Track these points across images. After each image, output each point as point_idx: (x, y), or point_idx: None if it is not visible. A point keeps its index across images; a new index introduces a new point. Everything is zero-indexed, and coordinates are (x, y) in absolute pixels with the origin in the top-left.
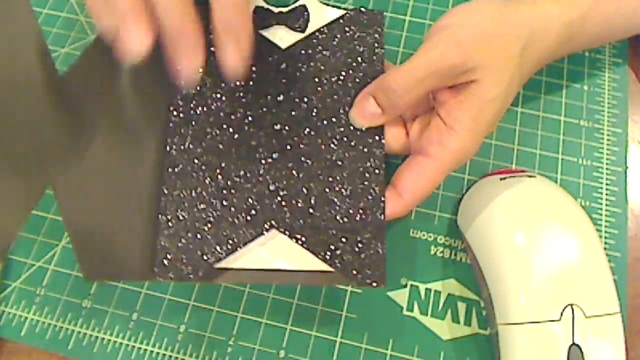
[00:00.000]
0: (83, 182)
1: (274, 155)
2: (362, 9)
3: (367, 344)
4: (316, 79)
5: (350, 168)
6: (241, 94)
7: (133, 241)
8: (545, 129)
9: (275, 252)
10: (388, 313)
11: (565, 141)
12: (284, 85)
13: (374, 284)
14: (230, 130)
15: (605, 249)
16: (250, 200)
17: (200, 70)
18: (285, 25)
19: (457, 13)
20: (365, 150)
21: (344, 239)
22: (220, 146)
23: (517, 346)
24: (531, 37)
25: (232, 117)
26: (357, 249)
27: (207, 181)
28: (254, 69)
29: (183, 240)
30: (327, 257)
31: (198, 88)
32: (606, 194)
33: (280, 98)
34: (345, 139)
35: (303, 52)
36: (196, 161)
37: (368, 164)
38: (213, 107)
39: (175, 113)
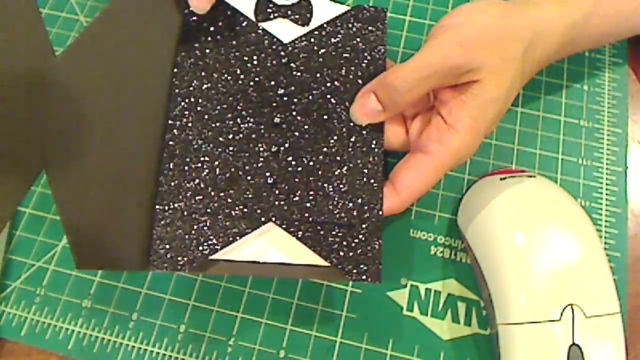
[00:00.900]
0: (78, 171)
1: (273, 149)
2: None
3: (367, 344)
4: (318, 74)
5: (349, 164)
6: (242, 87)
7: (128, 231)
8: (545, 129)
9: (271, 245)
10: (388, 313)
11: (565, 141)
12: (285, 79)
13: (369, 280)
14: (230, 122)
15: (605, 249)
16: (247, 192)
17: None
18: (288, 18)
19: (461, 13)
20: (365, 146)
21: (340, 234)
22: (220, 138)
23: (517, 346)
24: (534, 39)
25: (232, 109)
26: (353, 245)
27: (204, 173)
28: (255, 62)
29: (179, 231)
30: (323, 252)
31: (198, 80)
32: (606, 194)
33: (281, 92)
34: (345, 134)
35: (305, 46)
36: (194, 152)
37: (367, 160)
38: (213, 99)
39: (174, 104)
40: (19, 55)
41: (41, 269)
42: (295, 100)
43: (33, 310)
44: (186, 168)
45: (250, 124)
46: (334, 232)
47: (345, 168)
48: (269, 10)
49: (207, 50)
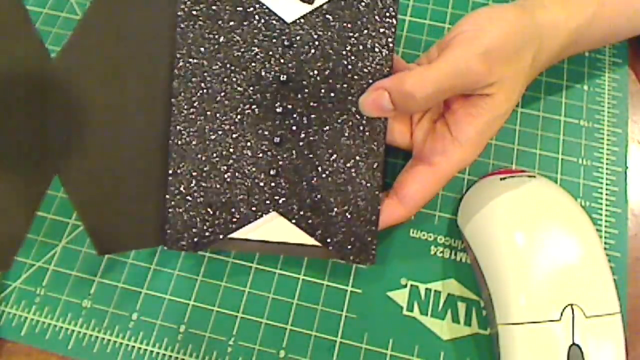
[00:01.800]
0: (89, 164)
1: (275, 140)
2: None
3: (367, 344)
4: (322, 58)
5: (351, 154)
6: (243, 73)
7: (142, 212)
8: (545, 129)
9: (274, 228)
10: (388, 313)
11: (565, 141)
12: (288, 63)
13: (364, 261)
14: (233, 111)
15: (605, 249)
16: (251, 181)
17: None
18: None
19: (479, 19)
20: (367, 133)
21: (339, 219)
22: (223, 126)
23: (517, 346)
24: (540, 46)
25: (235, 98)
26: (352, 229)
27: (209, 160)
28: (256, 45)
29: (191, 212)
30: (323, 235)
31: (198, 66)
32: (606, 194)
33: (284, 78)
34: (349, 123)
35: (308, 28)
36: (199, 142)
37: (368, 147)
38: (214, 85)
39: (175, 93)
40: (14, 58)
41: (41, 269)
42: (298, 86)
43: (33, 310)
44: (192, 157)
45: (253, 112)
46: (333, 217)
47: (346, 154)
48: None
49: (207, 34)
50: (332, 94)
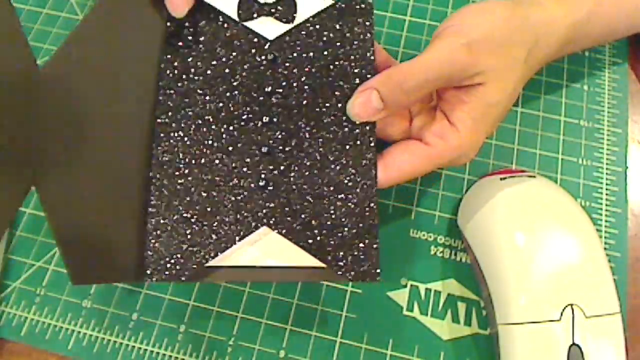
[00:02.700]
0: (69, 183)
1: (263, 150)
2: None
3: (367, 344)
4: (305, 70)
5: (341, 162)
6: (229, 87)
7: (122, 242)
8: (545, 129)
9: (266, 249)
10: (388, 313)
11: (565, 141)
12: (272, 77)
13: (368, 280)
14: (218, 124)
15: (605, 249)
16: (239, 196)
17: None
18: (272, 16)
19: (468, 13)
20: (357, 144)
21: (336, 235)
22: (208, 142)
23: (517, 346)
24: (537, 42)
25: (220, 111)
26: (350, 245)
27: (194, 178)
28: (240, 60)
29: (172, 240)
30: (320, 253)
31: (184, 84)
32: (606, 194)
33: (269, 90)
34: (336, 133)
35: (291, 42)
36: (183, 158)
37: (360, 158)
38: (199, 102)
39: (162, 108)
40: (3, 64)
41: (41, 269)
42: (284, 98)
43: (33, 310)
44: (176, 174)
45: (238, 125)
46: (329, 233)
47: (337, 167)
48: (252, 8)
49: (192, 52)
50: (319, 103)
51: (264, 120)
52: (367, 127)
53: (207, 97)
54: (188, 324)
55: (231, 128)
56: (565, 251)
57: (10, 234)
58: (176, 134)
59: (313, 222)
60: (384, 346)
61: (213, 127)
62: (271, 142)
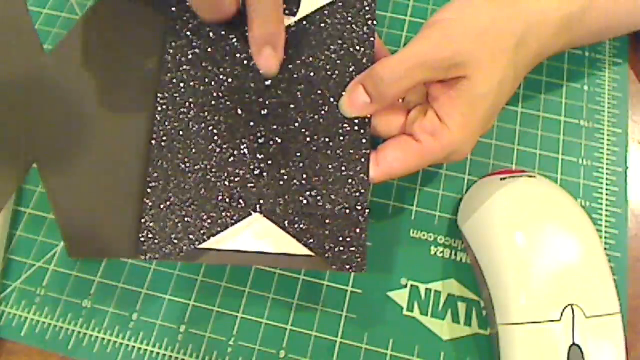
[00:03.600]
0: (70, 165)
1: (260, 140)
2: None
3: (367, 344)
4: (305, 65)
5: (335, 155)
6: (228, 78)
7: (119, 221)
8: (545, 129)
9: (257, 234)
10: (388, 313)
11: (565, 141)
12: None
13: (353, 270)
14: (217, 114)
15: (605, 249)
16: (233, 183)
17: None
18: None
19: (451, 8)
20: (352, 138)
21: (325, 224)
22: (207, 130)
23: (517, 346)
24: (527, 32)
25: (218, 101)
26: (338, 235)
27: (192, 163)
28: (241, 52)
29: (167, 220)
30: (309, 242)
31: (184, 73)
32: (606, 194)
33: (268, 83)
34: (332, 126)
35: (292, 36)
36: (181, 143)
37: (354, 152)
38: (200, 91)
39: (162, 95)
40: (10, 54)
41: (41, 269)
42: (282, 91)
43: (33, 310)
44: (173, 159)
45: (237, 115)
46: (320, 223)
47: (331, 159)
48: None
49: (193, 43)
50: (317, 97)
51: (261, 113)
52: (361, 122)
53: (206, 87)
54: (188, 324)
55: (229, 118)
56: (565, 251)
57: (10, 234)
58: (175, 122)
59: (304, 211)
60: (384, 346)
61: (211, 116)
62: (267, 133)
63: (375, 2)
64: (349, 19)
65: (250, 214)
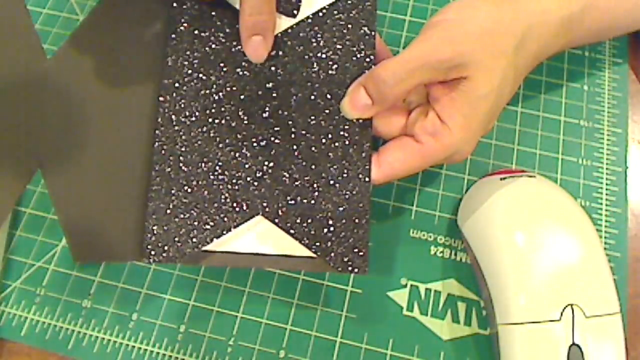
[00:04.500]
0: (73, 168)
1: (262, 143)
2: None
3: (367, 344)
4: (307, 67)
5: (337, 157)
6: (230, 80)
7: (123, 224)
8: (545, 129)
9: (260, 237)
10: (388, 313)
11: (565, 141)
12: (274, 72)
13: (356, 271)
14: (219, 116)
15: (605, 249)
16: (236, 185)
17: None
18: (276, 11)
19: (451, 9)
20: (354, 140)
21: (328, 226)
22: (210, 133)
23: (517, 346)
24: (527, 33)
25: (221, 103)
26: (340, 237)
27: (195, 166)
28: (243, 54)
29: (171, 224)
30: (311, 244)
31: (186, 75)
32: (606, 194)
33: (270, 85)
34: (334, 129)
35: (293, 38)
36: (185, 146)
37: (355, 154)
38: (201, 94)
39: (164, 99)
40: (12, 57)
41: (41, 269)
42: (285, 92)
43: (33, 310)
44: (175, 162)
45: (239, 118)
46: (322, 225)
47: (333, 161)
48: None
49: (195, 45)
50: (319, 99)
51: (263, 115)
52: (363, 124)
53: (208, 91)
54: (188, 324)
55: (232, 121)
56: (565, 251)
57: (10, 234)
58: (177, 125)
59: (307, 213)
60: (384, 346)
61: (213, 119)
62: (269, 135)
63: (376, 3)
64: (350, 20)
65: (253, 216)
